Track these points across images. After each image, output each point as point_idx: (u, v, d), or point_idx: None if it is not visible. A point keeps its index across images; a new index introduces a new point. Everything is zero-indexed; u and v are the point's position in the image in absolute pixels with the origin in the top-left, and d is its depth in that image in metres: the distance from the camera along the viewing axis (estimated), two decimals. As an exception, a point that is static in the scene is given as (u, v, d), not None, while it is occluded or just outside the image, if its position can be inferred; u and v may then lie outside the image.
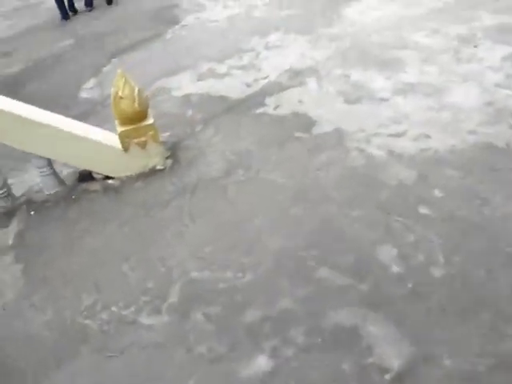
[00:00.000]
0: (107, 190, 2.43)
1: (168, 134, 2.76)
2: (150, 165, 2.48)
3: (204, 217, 2.15)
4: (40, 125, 2.25)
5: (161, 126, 2.71)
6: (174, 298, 1.79)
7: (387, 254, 1.81)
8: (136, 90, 2.19)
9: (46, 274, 2.03)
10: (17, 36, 5.52)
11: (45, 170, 2.37)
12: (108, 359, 1.63)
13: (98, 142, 2.35)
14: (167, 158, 2.56)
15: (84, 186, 2.47)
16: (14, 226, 2.32)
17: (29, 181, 2.60)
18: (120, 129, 2.33)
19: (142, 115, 2.28)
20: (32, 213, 2.37)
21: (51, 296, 1.93)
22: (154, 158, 2.48)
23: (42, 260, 2.11)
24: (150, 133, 2.34)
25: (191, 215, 2.17)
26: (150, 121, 2.34)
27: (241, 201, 2.21)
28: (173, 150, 2.63)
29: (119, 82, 2.17)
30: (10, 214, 2.41)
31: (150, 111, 2.41)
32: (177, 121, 2.92)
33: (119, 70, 2.20)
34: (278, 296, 1.72)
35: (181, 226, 2.12)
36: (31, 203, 2.45)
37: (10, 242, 2.23)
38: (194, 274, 1.88)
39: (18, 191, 2.53)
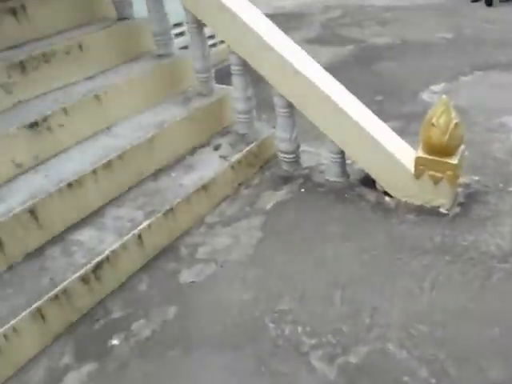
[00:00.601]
0: (378, 206, 2.26)
1: (476, 178, 2.33)
2: (434, 203, 2.16)
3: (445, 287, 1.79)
4: (341, 112, 2.20)
5: (474, 167, 2.33)
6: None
7: None
8: (452, 124, 1.87)
9: (279, 256, 2.08)
10: (403, 8, 5.55)
11: (334, 156, 2.35)
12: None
13: (389, 153, 2.16)
14: (457, 204, 2.19)
15: (361, 190, 2.37)
16: (282, 194, 2.42)
17: (317, 159, 2.64)
18: (420, 154, 2.07)
19: (448, 150, 1.96)
20: (302, 190, 2.44)
21: (266, 276, 1.97)
22: (442, 198, 2.14)
23: (284, 239, 2.15)
24: (449, 172, 2.00)
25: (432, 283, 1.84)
26: (455, 160, 1.99)
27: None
28: (469, 199, 2.22)
29: (438, 109, 1.89)
30: (285, 181, 2.51)
31: (461, 149, 2.05)
32: (495, 169, 2.42)
33: (443, 97, 1.91)
34: None
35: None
36: (307, 181, 2.49)
37: (268, 207, 2.35)
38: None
39: (303, 164, 2.61)
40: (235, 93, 2.53)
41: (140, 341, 1.75)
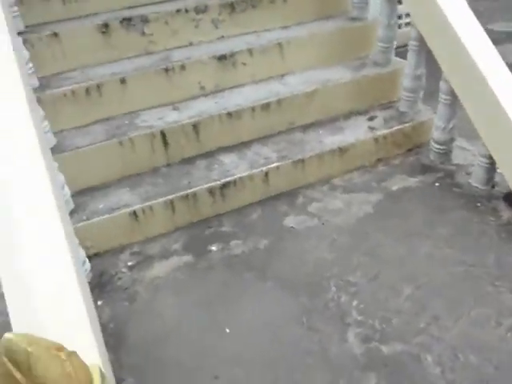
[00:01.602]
0: (506, 226, 2.05)
1: None
2: None
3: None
4: (501, 112, 1.99)
5: None
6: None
7: None
8: None
9: (375, 235, 2.12)
10: None
11: (482, 159, 2.18)
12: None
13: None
14: None
15: (498, 204, 2.15)
16: (413, 181, 2.38)
17: (471, 159, 2.46)
18: None
19: None
20: (437, 184, 2.33)
21: (353, 248, 2.06)
22: None
23: (388, 223, 2.17)
24: None
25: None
26: None
27: None
28: None
29: None
30: (424, 170, 2.45)
31: None
32: None
33: None
34: None
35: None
36: (448, 177, 2.37)
37: (393, 188, 2.36)
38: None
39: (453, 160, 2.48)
40: (406, 69, 2.50)
41: (230, 255, 2.11)
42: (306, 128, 2.59)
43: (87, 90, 2.29)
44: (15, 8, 2.27)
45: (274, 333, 1.75)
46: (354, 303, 1.83)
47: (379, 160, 2.54)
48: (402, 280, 1.89)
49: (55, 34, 2.34)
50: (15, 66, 1.71)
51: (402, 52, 2.69)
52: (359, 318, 1.77)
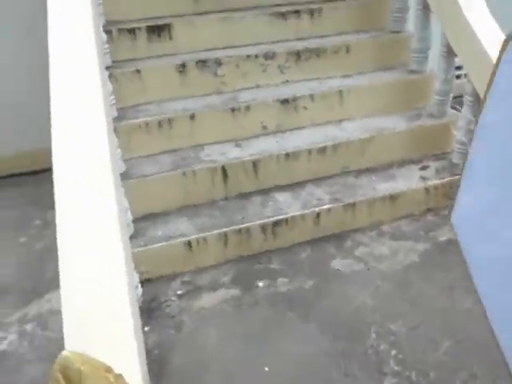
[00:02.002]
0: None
1: None
2: None
3: None
4: None
5: None
6: None
7: None
8: None
9: (419, 284, 2.15)
10: None
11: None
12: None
13: None
14: None
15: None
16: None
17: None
18: None
19: None
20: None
21: (396, 295, 2.11)
22: None
23: (433, 273, 2.20)
24: None
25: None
26: None
27: None
28: None
29: None
30: None
31: None
32: None
33: None
34: None
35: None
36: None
37: (440, 239, 2.40)
38: None
39: None
40: (460, 121, 2.57)
41: (276, 292, 2.21)
42: (359, 173, 2.69)
43: (159, 123, 2.50)
44: (106, 45, 2.53)
45: (311, 375, 1.82)
46: (393, 352, 1.88)
47: (429, 210, 2.60)
48: (442, 333, 1.93)
49: (138, 71, 2.59)
50: (101, 98, 1.92)
51: (459, 102, 2.76)
52: (396, 368, 1.82)
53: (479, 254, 1.21)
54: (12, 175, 3.32)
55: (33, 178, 3.25)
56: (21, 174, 3.32)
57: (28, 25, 2.96)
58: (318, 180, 2.65)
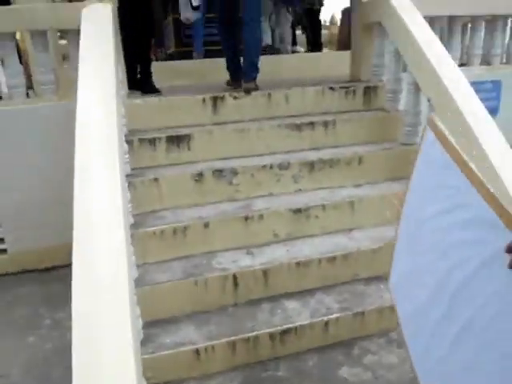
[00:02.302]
0: None
1: None
2: None
3: None
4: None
5: None
6: None
7: None
8: None
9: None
10: None
11: None
12: None
13: None
14: None
15: None
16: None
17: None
18: None
19: None
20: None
21: None
22: None
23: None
24: None
25: None
26: None
27: None
28: None
29: None
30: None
31: None
32: None
33: None
34: None
35: None
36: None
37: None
38: None
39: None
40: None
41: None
42: (368, 281, 2.68)
43: (174, 231, 2.61)
44: (127, 156, 2.73)
45: None
46: None
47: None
48: None
49: (156, 179, 2.76)
50: (121, 208, 2.02)
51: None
52: None
53: (401, 312, 1.48)
54: (24, 271, 3.41)
55: (45, 275, 3.34)
56: (33, 271, 3.40)
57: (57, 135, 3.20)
58: (327, 287, 2.64)
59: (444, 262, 1.16)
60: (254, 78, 3.46)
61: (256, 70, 3.49)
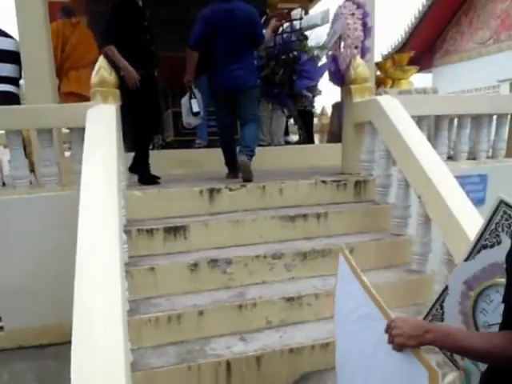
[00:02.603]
0: None
1: None
2: None
3: None
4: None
5: None
6: None
7: None
8: None
9: None
10: None
11: None
12: None
13: None
14: None
15: None
16: None
17: None
18: None
19: None
20: None
21: None
22: None
23: None
24: None
25: None
26: None
27: None
28: None
29: None
30: None
31: None
32: None
33: None
34: None
35: None
36: None
37: None
38: None
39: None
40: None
41: None
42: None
43: (169, 318, 2.64)
44: (126, 245, 2.84)
45: None
46: None
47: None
48: None
49: (152, 269, 2.85)
50: (120, 299, 2.06)
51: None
52: None
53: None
54: (20, 348, 3.41)
55: (41, 353, 3.32)
56: (29, 347, 3.40)
57: (57, 222, 3.33)
58: (320, 371, 2.61)
59: (356, 344, 1.72)
60: (251, 156, 3.77)
61: (252, 152, 3.81)
